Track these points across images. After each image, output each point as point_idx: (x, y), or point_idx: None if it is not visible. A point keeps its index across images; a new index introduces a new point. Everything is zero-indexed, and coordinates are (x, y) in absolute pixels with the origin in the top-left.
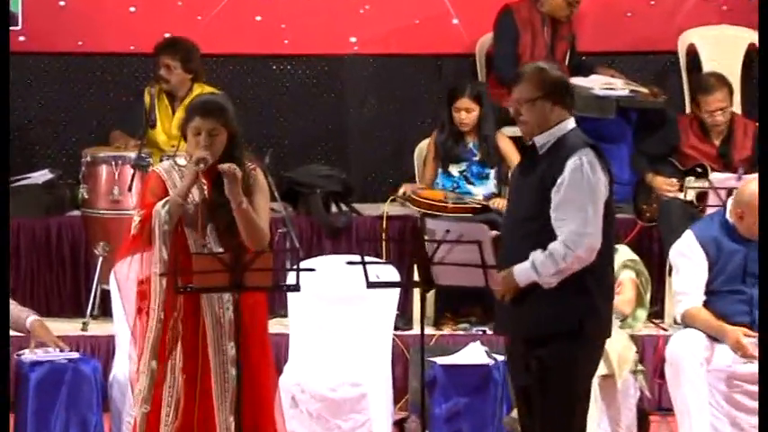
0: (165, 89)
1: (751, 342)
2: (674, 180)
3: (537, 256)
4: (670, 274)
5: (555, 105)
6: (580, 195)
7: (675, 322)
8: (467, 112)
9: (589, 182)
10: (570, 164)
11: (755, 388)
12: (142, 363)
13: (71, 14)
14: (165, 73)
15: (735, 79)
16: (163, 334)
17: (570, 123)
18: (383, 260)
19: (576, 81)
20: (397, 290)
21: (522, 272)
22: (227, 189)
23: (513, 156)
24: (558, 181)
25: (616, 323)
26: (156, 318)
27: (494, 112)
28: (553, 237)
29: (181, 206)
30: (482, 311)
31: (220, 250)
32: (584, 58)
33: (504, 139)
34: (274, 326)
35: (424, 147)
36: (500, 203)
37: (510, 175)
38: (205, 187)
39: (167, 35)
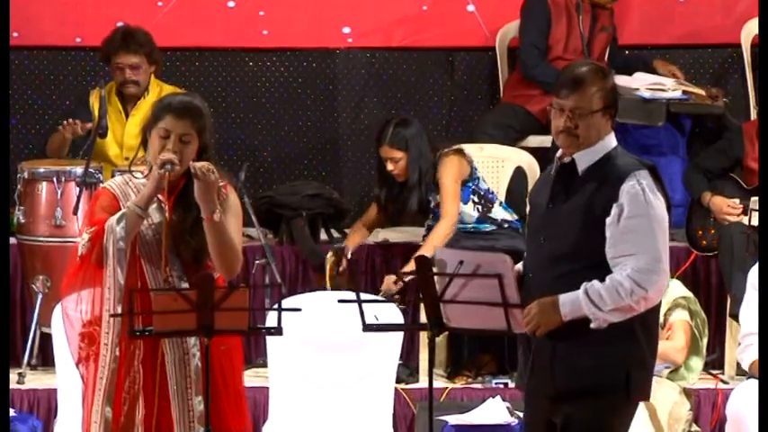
0: (134, 93)
1: None
2: (737, 201)
3: (594, 285)
4: (731, 315)
5: (610, 119)
6: (646, 226)
7: (738, 372)
8: (393, 162)
9: (654, 209)
10: (626, 189)
11: None
12: (94, 411)
13: None
14: (131, 75)
15: None
16: (119, 377)
17: (612, 139)
18: (383, 298)
19: (617, 81)
20: (400, 334)
21: (572, 302)
22: (197, 193)
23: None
24: (614, 210)
25: (666, 374)
26: (110, 357)
27: (424, 155)
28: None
29: (140, 219)
30: (502, 360)
31: (185, 286)
32: (626, 52)
33: (450, 161)
34: (251, 377)
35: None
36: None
37: (530, 202)
38: (165, 207)
39: (120, 24)
